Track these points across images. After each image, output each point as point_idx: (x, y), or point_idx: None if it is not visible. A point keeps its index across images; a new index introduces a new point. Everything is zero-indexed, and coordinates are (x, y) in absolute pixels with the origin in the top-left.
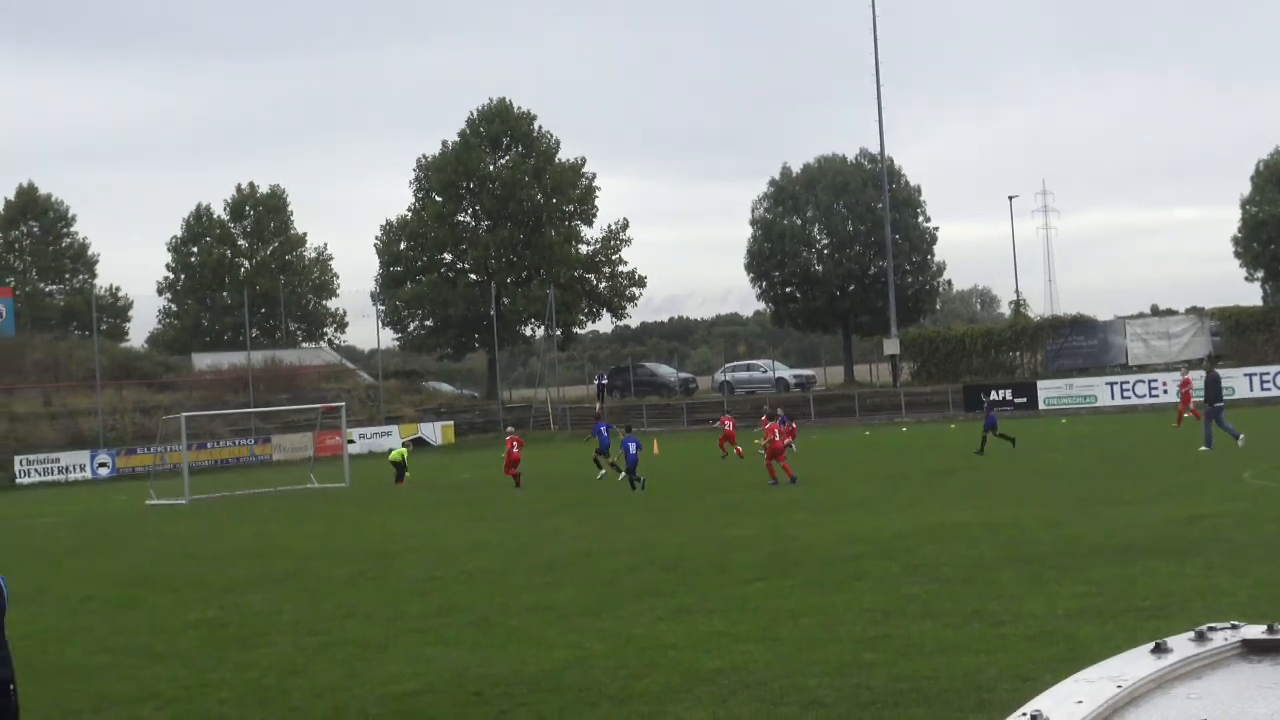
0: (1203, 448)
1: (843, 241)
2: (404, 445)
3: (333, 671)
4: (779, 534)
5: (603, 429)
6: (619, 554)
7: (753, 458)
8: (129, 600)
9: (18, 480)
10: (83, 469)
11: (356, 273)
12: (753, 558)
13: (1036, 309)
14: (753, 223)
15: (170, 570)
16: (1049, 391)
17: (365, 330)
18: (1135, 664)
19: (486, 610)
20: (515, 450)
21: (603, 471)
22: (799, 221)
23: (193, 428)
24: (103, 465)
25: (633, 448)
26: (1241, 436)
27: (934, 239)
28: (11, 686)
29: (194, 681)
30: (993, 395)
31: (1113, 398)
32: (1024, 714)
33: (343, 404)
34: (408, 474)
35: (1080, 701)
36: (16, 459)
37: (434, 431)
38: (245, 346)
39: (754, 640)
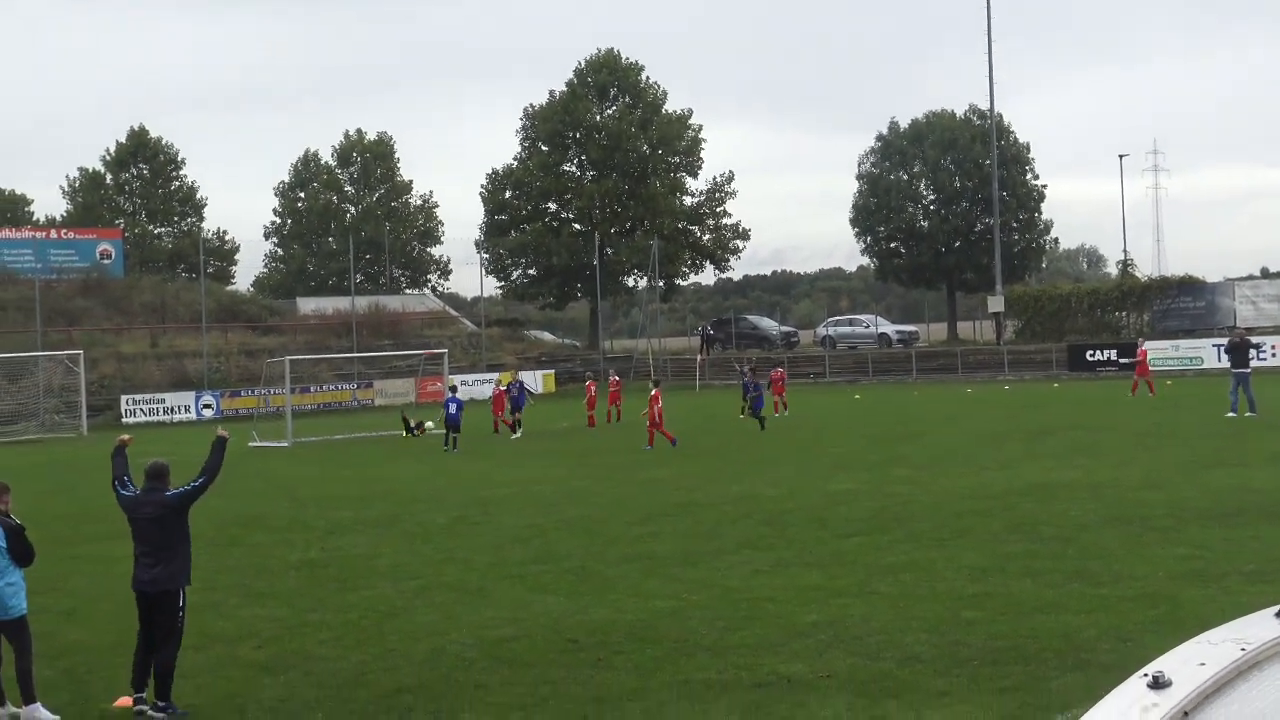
0: (1248, 414)
1: (949, 197)
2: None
3: (430, 615)
4: (879, 490)
5: (515, 388)
6: (719, 506)
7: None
8: (231, 540)
9: (124, 419)
10: (187, 410)
11: (461, 221)
12: (853, 513)
13: (1144, 269)
14: (859, 177)
15: (272, 511)
16: (1155, 353)
17: (469, 278)
18: (1258, 627)
19: (584, 558)
20: (593, 392)
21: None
22: (905, 177)
23: (296, 371)
24: (207, 406)
25: (453, 408)
26: (1233, 415)
27: (1041, 196)
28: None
29: (294, 621)
30: (1100, 355)
31: (1219, 360)
32: (1145, 674)
33: (445, 351)
34: (427, 425)
35: (1203, 664)
36: (123, 398)
37: (535, 380)
38: (349, 292)
39: (852, 595)
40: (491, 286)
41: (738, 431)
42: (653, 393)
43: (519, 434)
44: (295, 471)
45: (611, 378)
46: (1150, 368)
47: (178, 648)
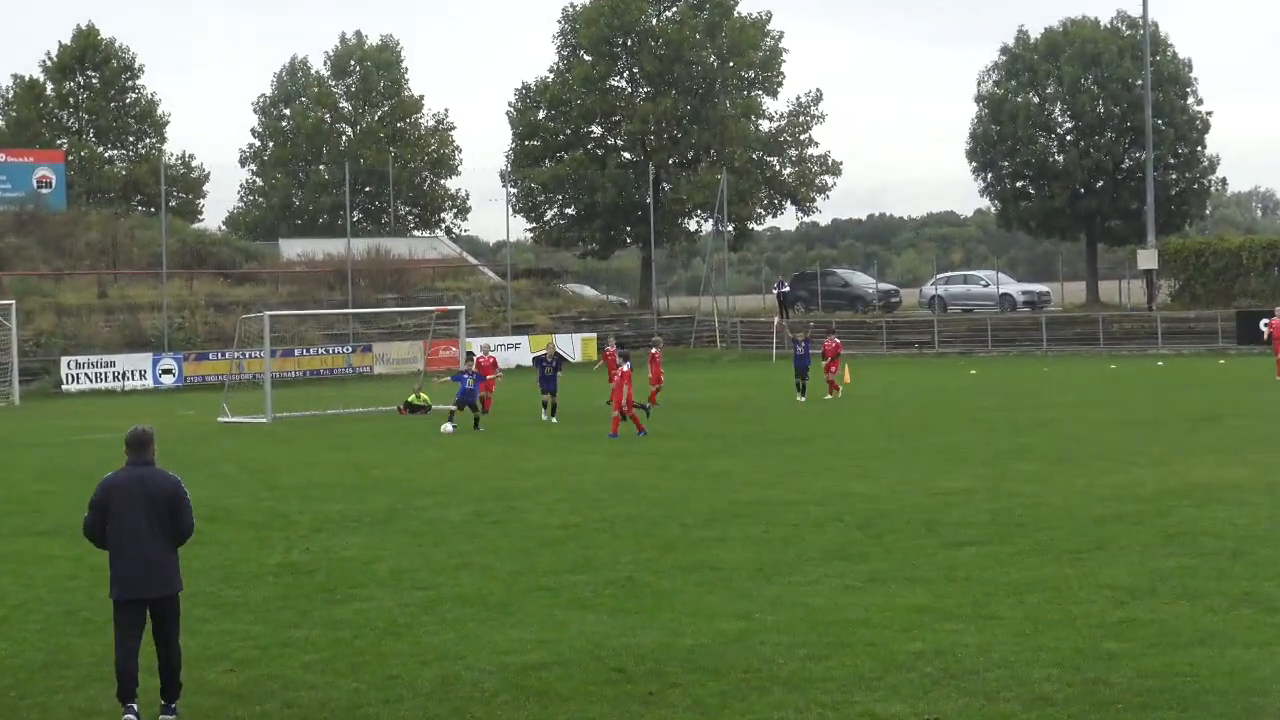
0: None
1: (1090, 126)
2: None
3: (441, 634)
4: (999, 488)
5: (466, 379)
6: (800, 506)
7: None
8: (196, 538)
9: (64, 386)
10: (142, 376)
11: (483, 147)
12: (966, 517)
13: None
14: (978, 99)
15: (246, 503)
16: None
17: (492, 218)
18: None
19: (632, 567)
20: (622, 368)
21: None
22: (1036, 99)
23: (277, 330)
24: (167, 372)
25: (469, 381)
26: None
27: (1206, 127)
28: None
29: (271, 640)
30: None
31: None
32: None
33: (462, 307)
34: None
35: None
36: (64, 360)
37: (572, 345)
38: (345, 233)
39: (965, 619)
40: (520, 229)
41: (823, 415)
42: (625, 368)
43: (553, 418)
44: (275, 454)
45: (653, 350)
46: None
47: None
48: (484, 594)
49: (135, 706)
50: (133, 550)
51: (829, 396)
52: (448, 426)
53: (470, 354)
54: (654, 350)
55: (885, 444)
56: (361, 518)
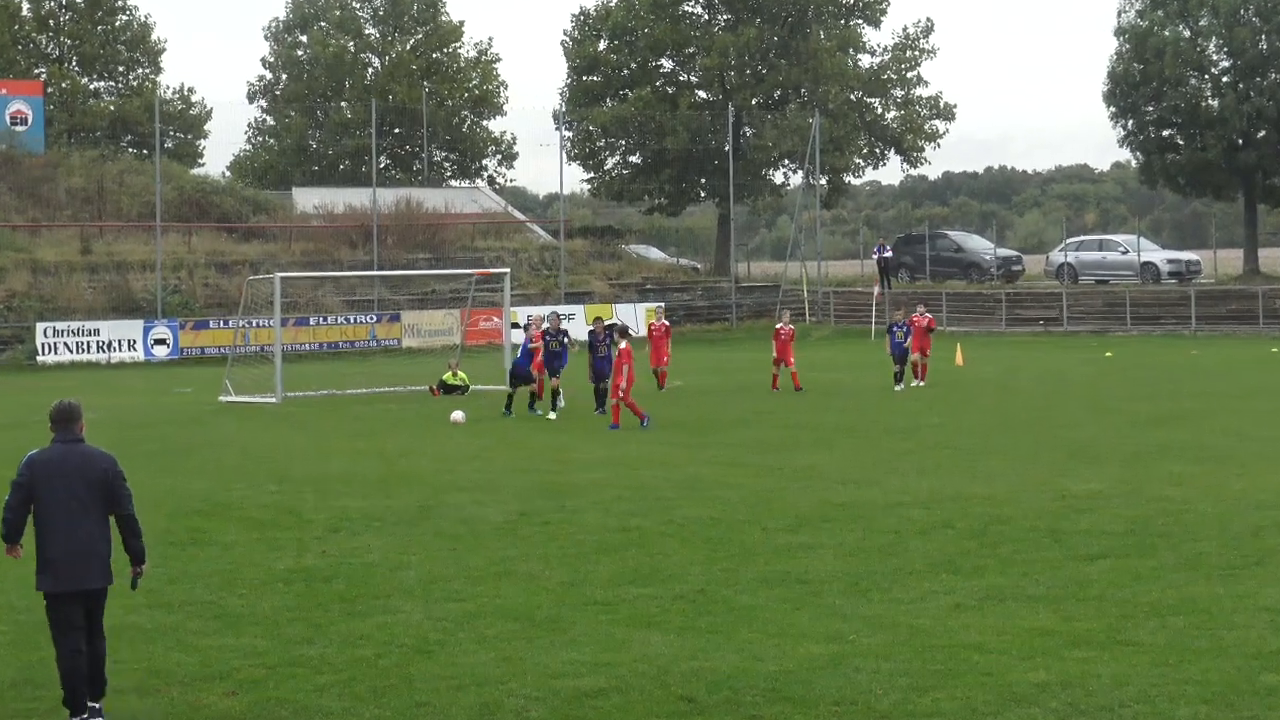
0: None
1: (1251, 65)
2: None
3: (479, 654)
4: (1139, 492)
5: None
6: (903, 509)
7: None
8: (193, 537)
9: (40, 357)
10: (132, 346)
11: (534, 84)
12: (1099, 525)
13: None
14: (1118, 32)
15: (252, 497)
16: None
17: (543, 167)
18: None
19: (705, 579)
20: (620, 345)
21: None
22: (1187, 33)
23: (290, 295)
24: (160, 342)
25: (522, 357)
26: None
27: None
28: None
29: (281, 658)
30: None
31: None
32: None
33: (507, 270)
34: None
35: None
36: (40, 327)
37: (635, 316)
38: (370, 182)
39: (1097, 644)
40: (575, 180)
41: (930, 402)
42: (622, 346)
43: (554, 410)
44: (285, 440)
45: (654, 324)
46: None
47: None
48: (529, 608)
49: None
50: (67, 536)
51: (915, 383)
52: (552, 414)
53: (518, 324)
54: (655, 324)
55: (1003, 438)
56: (386, 516)
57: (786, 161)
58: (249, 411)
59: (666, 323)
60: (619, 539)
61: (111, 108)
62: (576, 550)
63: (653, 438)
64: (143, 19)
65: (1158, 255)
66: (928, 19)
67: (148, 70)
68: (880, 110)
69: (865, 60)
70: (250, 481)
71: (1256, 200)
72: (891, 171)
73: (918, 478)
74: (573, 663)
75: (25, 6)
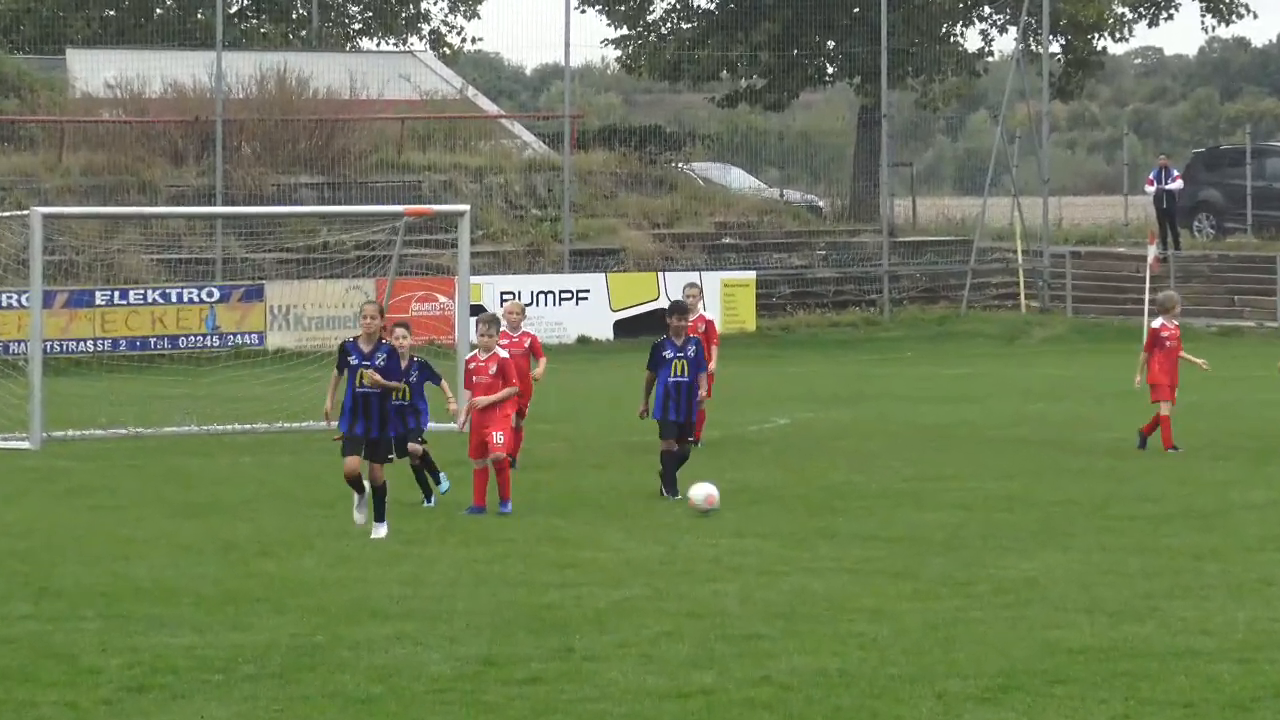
0: None
1: None
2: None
3: None
4: None
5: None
6: (1197, 660)
7: None
8: None
9: None
10: None
11: None
12: None
13: None
14: None
15: None
16: None
17: (533, 17)
18: None
19: None
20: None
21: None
22: None
23: (62, 248)
24: None
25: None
26: None
27: None
28: None
29: None
30: None
31: None
32: None
33: (465, 209)
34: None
35: None
36: None
37: (709, 290)
38: (212, 42)
39: None
40: (594, 42)
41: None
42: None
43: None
44: (49, 518)
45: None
46: None
47: None
48: None
49: None
50: None
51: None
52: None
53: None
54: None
55: None
56: (235, 666)
57: (986, 9)
58: None
59: (708, 315)
60: (672, 713)
61: None
62: None
63: (730, 524)
64: None
65: None
66: None
67: None
68: None
69: None
70: None
71: None
72: (1182, 31)
73: (1226, 601)
74: None
75: None
